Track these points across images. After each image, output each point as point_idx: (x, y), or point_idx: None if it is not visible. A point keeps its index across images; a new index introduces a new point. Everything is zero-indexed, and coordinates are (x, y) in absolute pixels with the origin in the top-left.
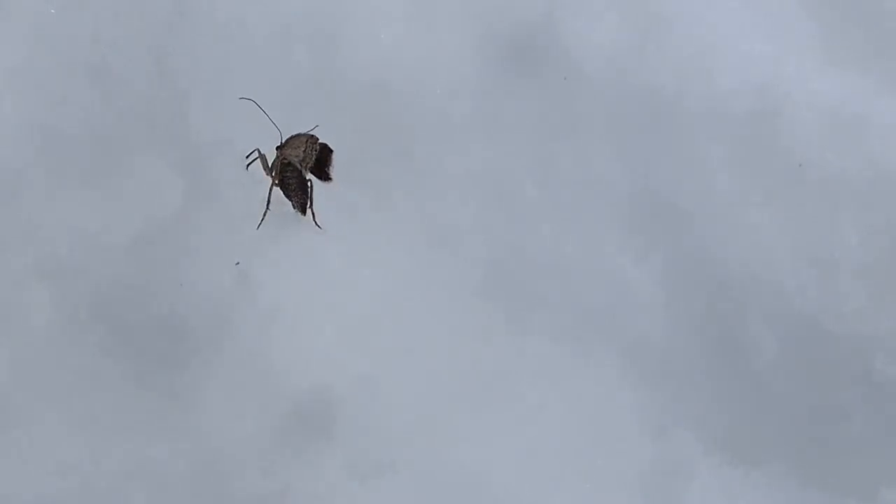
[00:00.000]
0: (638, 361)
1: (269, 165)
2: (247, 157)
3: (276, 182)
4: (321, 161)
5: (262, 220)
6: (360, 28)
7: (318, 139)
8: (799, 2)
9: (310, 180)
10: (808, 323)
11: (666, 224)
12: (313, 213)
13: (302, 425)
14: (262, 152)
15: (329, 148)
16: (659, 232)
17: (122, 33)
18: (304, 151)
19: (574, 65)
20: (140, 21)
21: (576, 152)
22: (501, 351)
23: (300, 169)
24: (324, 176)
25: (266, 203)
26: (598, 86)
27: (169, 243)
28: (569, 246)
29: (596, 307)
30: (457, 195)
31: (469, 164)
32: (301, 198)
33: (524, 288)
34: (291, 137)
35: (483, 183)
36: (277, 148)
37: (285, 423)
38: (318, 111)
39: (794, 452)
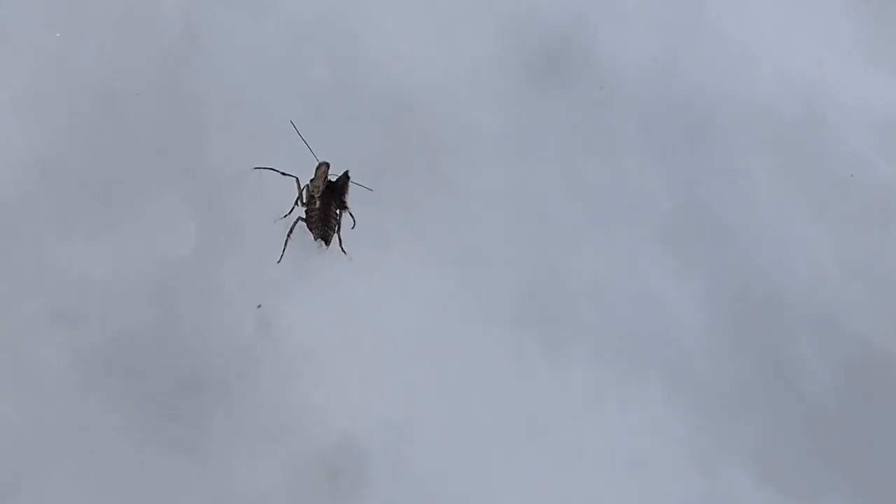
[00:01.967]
0: (682, 390)
1: (300, 190)
2: (284, 216)
3: (307, 213)
4: (337, 188)
5: (283, 251)
6: (380, 40)
7: (328, 165)
8: None
9: (336, 210)
10: (863, 345)
11: (709, 242)
12: (340, 240)
13: (331, 480)
14: (299, 180)
15: (346, 174)
16: (701, 250)
17: (131, 59)
18: (322, 180)
19: (608, 73)
20: (149, 46)
21: (612, 167)
22: (539, 384)
23: (317, 198)
24: (339, 204)
25: (287, 234)
26: (634, 94)
27: (186, 286)
28: (607, 268)
29: (637, 333)
30: (487, 216)
31: (499, 182)
32: (322, 229)
33: (561, 315)
34: (318, 166)
35: (514, 202)
36: (312, 179)
37: (313, 478)
38: (338, 129)
39: (850, 486)
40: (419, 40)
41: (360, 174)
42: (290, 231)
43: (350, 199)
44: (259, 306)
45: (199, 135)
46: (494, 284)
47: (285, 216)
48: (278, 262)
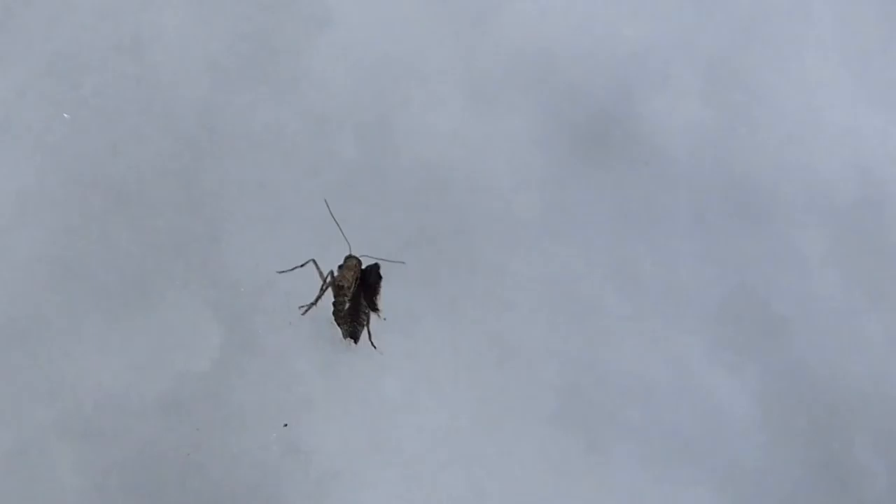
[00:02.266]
0: (732, 492)
1: (324, 277)
2: (302, 308)
3: (335, 305)
4: (369, 287)
5: (308, 309)
6: (413, 116)
7: (360, 261)
8: None
9: (365, 309)
10: None
11: (761, 334)
12: (370, 334)
13: None
14: (317, 263)
15: (378, 273)
16: (753, 343)
17: (145, 151)
18: (353, 276)
19: (655, 149)
20: (165, 136)
21: (658, 252)
22: (581, 486)
23: (349, 294)
24: (371, 305)
25: (315, 298)
26: (683, 173)
27: (207, 403)
28: (653, 362)
29: (684, 431)
30: (526, 305)
31: (540, 267)
32: (352, 325)
33: (605, 413)
34: (347, 257)
35: (555, 290)
36: (340, 267)
37: None
38: (368, 210)
39: None
40: (454, 115)
41: (390, 257)
42: (318, 297)
43: (381, 299)
44: (285, 425)
45: (218, 231)
46: (534, 380)
47: (310, 306)
48: (302, 314)
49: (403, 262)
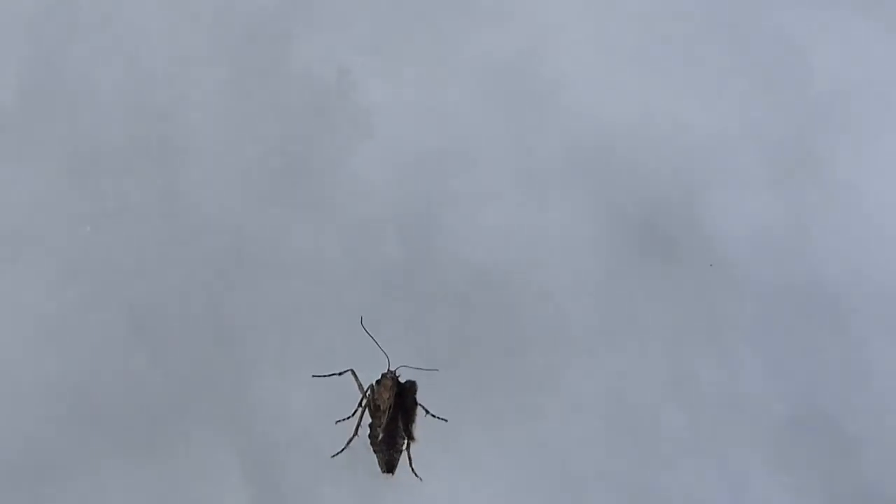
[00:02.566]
0: None
1: (364, 391)
2: (338, 421)
3: (372, 428)
4: (406, 411)
5: (345, 447)
6: (461, 212)
7: (395, 375)
8: None
9: (404, 436)
10: None
11: (829, 454)
12: (410, 459)
13: None
14: (356, 374)
15: (414, 397)
16: (820, 465)
17: (170, 274)
18: (389, 396)
19: (719, 250)
20: (191, 257)
21: (721, 363)
22: None
23: (384, 418)
24: (408, 433)
25: (354, 430)
26: (748, 276)
27: None
28: (710, 484)
29: None
30: (577, 422)
31: (593, 380)
32: (388, 454)
33: None
34: (384, 375)
35: (609, 405)
36: (377, 382)
37: None
38: (410, 317)
39: None
40: (505, 211)
41: (433, 365)
42: (357, 426)
43: (417, 427)
44: None
45: (247, 367)
46: None
47: (348, 418)
48: (333, 456)
49: (437, 370)
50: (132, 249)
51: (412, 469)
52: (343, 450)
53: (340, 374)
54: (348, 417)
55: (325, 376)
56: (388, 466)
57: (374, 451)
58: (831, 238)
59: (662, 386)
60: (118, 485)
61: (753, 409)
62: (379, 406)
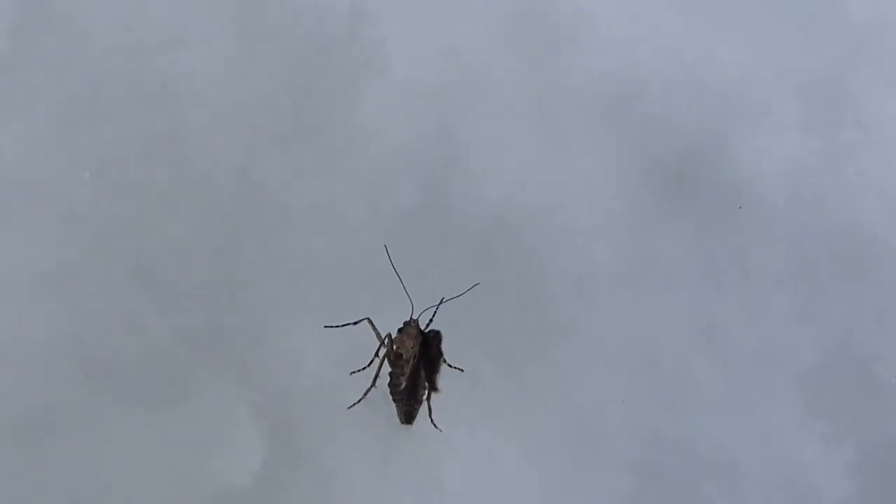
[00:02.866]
0: None
1: (382, 339)
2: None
3: (392, 377)
4: (430, 361)
5: (362, 398)
6: (480, 156)
7: (418, 324)
8: None
9: (424, 384)
10: None
11: (862, 402)
12: (430, 409)
13: None
14: (373, 322)
15: (440, 346)
16: (853, 412)
17: (177, 223)
18: (413, 346)
19: (750, 192)
20: (198, 206)
21: (750, 309)
22: None
23: (408, 368)
24: (431, 383)
25: (372, 380)
26: (780, 220)
27: None
28: (740, 434)
29: None
30: (602, 369)
31: (616, 326)
32: (408, 405)
33: (686, 492)
34: (407, 323)
35: (634, 352)
36: (400, 330)
37: None
38: (427, 264)
39: None
40: (525, 154)
41: (451, 315)
42: (376, 377)
43: (440, 377)
44: None
45: (259, 319)
46: (609, 455)
47: (363, 369)
48: (349, 407)
49: (463, 371)
50: (136, 196)
51: (431, 420)
52: (360, 401)
53: (355, 323)
54: (363, 368)
55: (338, 326)
56: (408, 417)
57: (394, 401)
58: (867, 179)
59: (689, 333)
60: (128, 439)
61: (784, 356)
62: (401, 355)
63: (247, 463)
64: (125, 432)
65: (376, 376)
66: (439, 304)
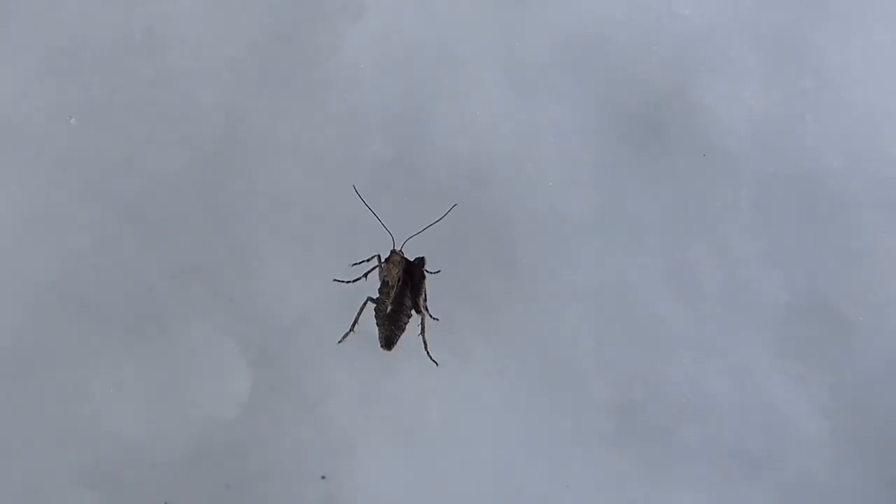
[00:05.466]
0: None
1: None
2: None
3: (378, 302)
4: (414, 286)
5: (346, 335)
6: (451, 106)
7: (402, 254)
8: None
9: (409, 311)
10: None
11: (830, 341)
12: (425, 343)
13: None
14: (380, 257)
15: (423, 271)
16: (822, 351)
17: (161, 162)
18: (398, 273)
19: (715, 140)
20: (182, 145)
21: (718, 253)
22: None
23: (392, 293)
24: (416, 306)
25: (354, 319)
26: (745, 166)
27: (234, 453)
28: (712, 375)
29: (748, 449)
30: (575, 315)
31: (589, 272)
32: (389, 329)
33: (662, 431)
34: (392, 252)
35: (607, 297)
36: (387, 259)
37: None
38: (402, 210)
39: None
40: (495, 104)
41: (429, 262)
42: (358, 316)
43: (428, 300)
44: (323, 477)
45: (244, 253)
46: (585, 398)
47: (347, 282)
48: (339, 342)
49: (438, 272)
50: (121, 139)
51: (428, 353)
52: (346, 336)
53: (368, 260)
54: (348, 281)
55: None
56: (387, 342)
57: (377, 325)
58: (827, 126)
59: (659, 277)
60: (117, 372)
61: (753, 298)
62: (387, 282)
63: (234, 393)
64: (114, 365)
65: (355, 322)
66: (423, 229)
